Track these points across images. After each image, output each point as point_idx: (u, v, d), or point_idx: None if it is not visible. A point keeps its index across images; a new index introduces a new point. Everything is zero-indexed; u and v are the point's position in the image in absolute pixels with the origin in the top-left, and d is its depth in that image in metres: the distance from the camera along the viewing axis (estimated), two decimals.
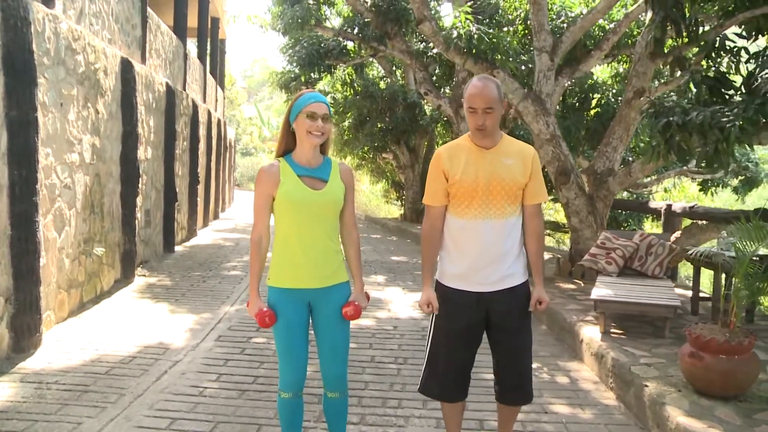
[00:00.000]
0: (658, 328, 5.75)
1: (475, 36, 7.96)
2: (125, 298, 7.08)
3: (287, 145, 3.07)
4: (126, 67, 7.72)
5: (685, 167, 12.49)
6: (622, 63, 13.50)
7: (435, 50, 13.06)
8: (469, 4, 8.76)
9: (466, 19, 8.17)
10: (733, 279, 4.34)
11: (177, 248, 10.83)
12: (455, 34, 8.01)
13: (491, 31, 8.20)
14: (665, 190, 17.54)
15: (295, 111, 2.98)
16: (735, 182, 14.91)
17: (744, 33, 7.41)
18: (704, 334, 4.03)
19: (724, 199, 19.33)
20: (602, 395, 4.71)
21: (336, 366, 3.14)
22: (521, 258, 3.15)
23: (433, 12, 12.71)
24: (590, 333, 5.55)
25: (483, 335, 3.22)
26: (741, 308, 4.06)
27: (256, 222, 3.07)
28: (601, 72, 14.45)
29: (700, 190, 15.42)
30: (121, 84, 7.62)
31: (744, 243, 4.02)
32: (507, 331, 3.12)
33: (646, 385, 4.25)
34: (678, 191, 18.70)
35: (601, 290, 5.83)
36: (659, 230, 14.89)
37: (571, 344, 5.86)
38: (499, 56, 8.30)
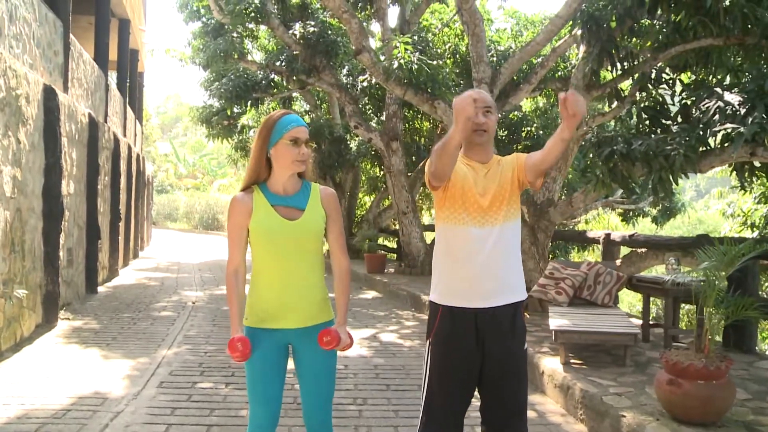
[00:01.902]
0: (616, 356, 5.72)
1: (415, 66, 7.91)
2: (49, 345, 6.46)
3: (259, 174, 2.75)
4: (49, 95, 7.19)
5: (610, 198, 12.87)
6: (546, 97, 13.90)
7: (365, 83, 13.03)
8: (407, 36, 8.74)
9: (406, 49, 8.12)
10: (701, 304, 4.33)
11: (100, 289, 10.13)
12: (396, 64, 7.94)
13: (431, 62, 8.18)
14: (586, 222, 18.07)
15: (276, 136, 2.67)
16: (654, 212, 15.54)
17: (668, 68, 7.71)
18: (681, 360, 3.97)
19: (640, 229, 20.09)
20: (573, 428, 4.58)
21: (320, 413, 2.83)
22: (520, 272, 2.90)
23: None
24: (551, 365, 5.44)
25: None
26: (715, 333, 4.03)
27: (231, 254, 2.77)
28: (523, 106, 14.83)
29: (622, 220, 15.98)
30: (43, 113, 7.08)
31: (716, 267, 4.01)
32: (503, 357, 2.82)
33: (624, 416, 4.15)
34: (597, 222, 19.32)
35: (557, 321, 5.74)
36: (589, 259, 15.26)
37: (531, 377, 5.72)
38: (439, 87, 8.28)
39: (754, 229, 11.17)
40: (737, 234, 12.34)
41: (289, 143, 2.67)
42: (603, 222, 19.32)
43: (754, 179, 7.53)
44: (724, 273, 4.06)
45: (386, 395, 5.16)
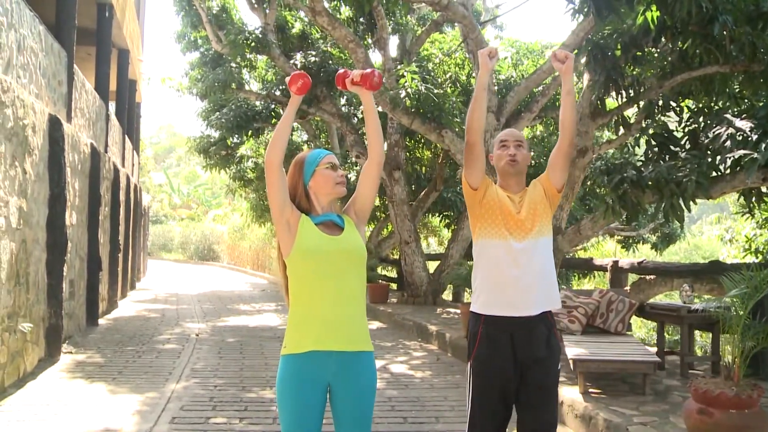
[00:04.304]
0: (633, 385, 5.64)
1: (423, 96, 7.92)
2: (54, 380, 6.31)
3: (299, 198, 2.74)
4: (54, 125, 7.14)
5: (611, 225, 12.86)
6: (545, 125, 13.96)
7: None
8: (413, 65, 8.77)
9: (413, 78, 8.13)
10: (727, 332, 4.27)
11: (100, 321, 9.97)
12: (403, 93, 7.94)
13: (438, 90, 8.20)
14: (584, 249, 18.04)
15: (310, 168, 2.72)
16: (653, 238, 15.54)
17: (672, 95, 7.74)
18: (711, 389, 3.90)
19: (639, 255, 20.06)
20: None
21: None
22: (555, 284, 3.07)
23: None
24: (570, 394, 5.35)
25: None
26: (744, 360, 3.97)
27: None
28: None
29: (622, 247, 15.97)
30: (48, 143, 7.02)
31: (746, 294, 3.96)
32: (540, 377, 2.95)
33: None
34: (595, 249, 19.30)
35: (574, 350, 5.66)
36: (585, 287, 15.20)
37: None
38: (446, 116, 8.28)
39: (758, 254, 11.17)
40: (739, 260, 12.33)
41: (327, 168, 2.72)
42: (601, 249, 19.30)
43: (759, 205, 7.55)
44: (752, 300, 4.01)
45: (404, 428, 5.05)
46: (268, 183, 2.66)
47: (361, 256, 2.69)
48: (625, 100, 7.76)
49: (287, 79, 2.72)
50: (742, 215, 11.03)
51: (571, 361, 5.47)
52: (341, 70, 2.83)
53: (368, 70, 2.78)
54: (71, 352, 7.53)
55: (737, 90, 7.60)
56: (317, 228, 2.65)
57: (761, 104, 6.38)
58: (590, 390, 5.45)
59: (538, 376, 2.94)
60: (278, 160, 2.63)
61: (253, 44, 12.71)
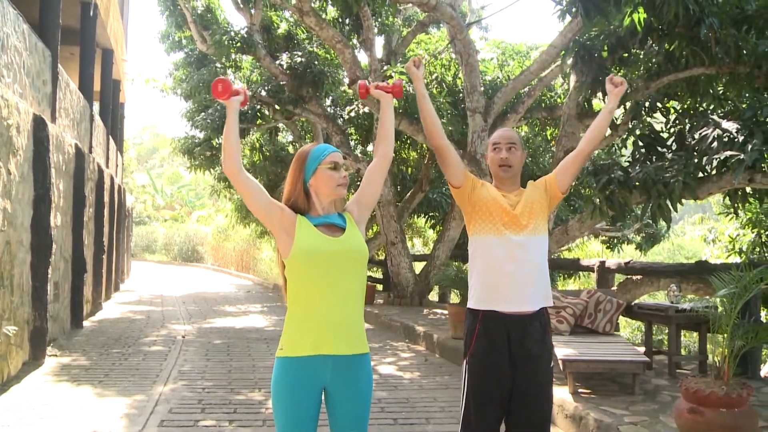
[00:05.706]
0: (623, 384, 5.67)
1: (410, 96, 7.91)
2: (39, 383, 6.22)
3: (298, 202, 2.68)
4: (39, 125, 7.05)
5: (596, 225, 12.93)
6: (530, 126, 14.01)
7: (352, 113, 13.03)
8: (401, 66, 8.76)
9: (401, 79, 8.12)
10: (717, 331, 4.30)
11: (85, 323, 9.86)
12: None
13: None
14: (569, 249, 18.12)
15: (312, 165, 2.64)
16: (638, 239, 15.65)
17: (656, 98, 7.80)
18: (702, 388, 3.92)
19: (623, 255, 20.16)
20: None
21: None
22: (548, 282, 3.07)
23: None
24: (559, 394, 5.35)
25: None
26: (734, 360, 4.00)
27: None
28: None
29: (607, 248, 16.07)
30: (33, 143, 6.93)
31: (736, 294, 3.98)
32: (533, 376, 2.95)
33: None
34: (580, 249, 19.39)
35: (563, 350, 5.68)
36: (570, 287, 15.28)
37: None
38: None
39: (742, 254, 11.27)
40: (722, 260, 12.44)
41: (329, 168, 2.64)
42: (586, 249, 19.39)
43: (744, 205, 7.62)
44: (742, 299, 4.04)
45: (394, 429, 5.03)
46: (240, 193, 2.61)
47: (363, 256, 2.64)
48: None
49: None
50: (726, 215, 11.13)
51: (560, 362, 5.47)
52: (361, 81, 2.91)
53: (397, 80, 2.90)
54: (56, 355, 7.44)
55: (721, 92, 7.68)
56: (316, 229, 2.60)
57: (745, 106, 6.43)
58: (580, 390, 5.47)
59: (532, 372, 2.95)
60: (236, 168, 2.55)
61: (238, 44, 12.65)
